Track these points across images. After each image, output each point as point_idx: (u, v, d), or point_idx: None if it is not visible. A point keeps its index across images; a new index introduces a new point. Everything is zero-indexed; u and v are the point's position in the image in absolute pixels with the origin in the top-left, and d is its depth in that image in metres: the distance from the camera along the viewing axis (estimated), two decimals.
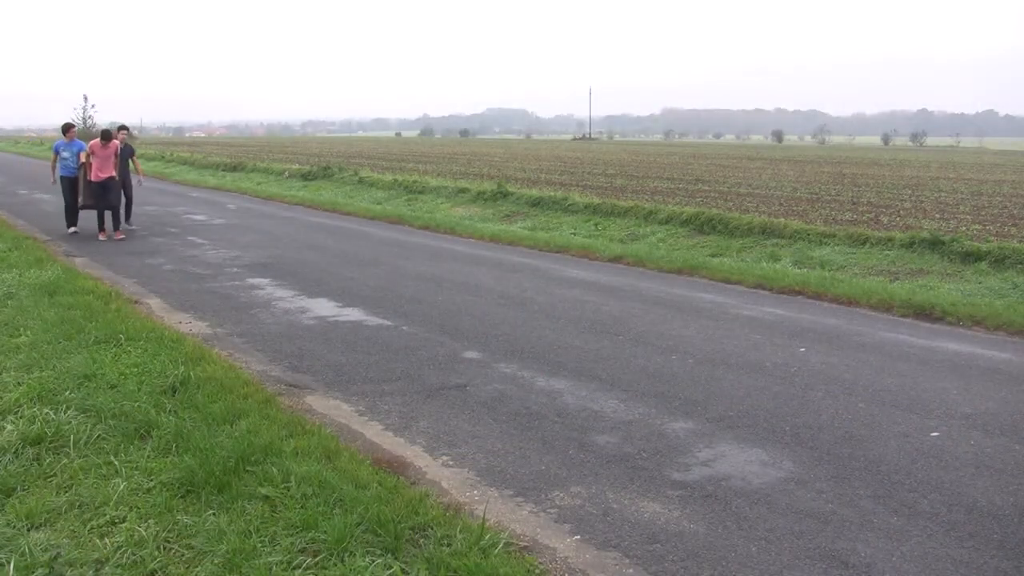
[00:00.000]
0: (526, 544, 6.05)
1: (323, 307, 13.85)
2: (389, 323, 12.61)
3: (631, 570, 5.80)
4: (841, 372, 10.35)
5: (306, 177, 42.55)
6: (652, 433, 8.31)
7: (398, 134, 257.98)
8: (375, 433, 8.34)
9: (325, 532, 5.83)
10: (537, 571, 5.67)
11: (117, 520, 6.11)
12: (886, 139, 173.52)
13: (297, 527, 5.96)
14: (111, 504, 6.31)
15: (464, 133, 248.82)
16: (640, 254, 19.66)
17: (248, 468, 6.85)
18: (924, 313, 13.63)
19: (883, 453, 7.84)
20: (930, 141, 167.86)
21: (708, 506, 6.76)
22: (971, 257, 17.50)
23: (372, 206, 30.13)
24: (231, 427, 7.74)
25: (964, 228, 21.96)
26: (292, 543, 5.76)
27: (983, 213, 26.00)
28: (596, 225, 24.99)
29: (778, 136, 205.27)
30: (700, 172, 46.71)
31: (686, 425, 8.48)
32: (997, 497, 6.93)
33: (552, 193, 30.52)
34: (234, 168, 50.93)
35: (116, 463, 7.00)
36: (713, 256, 19.95)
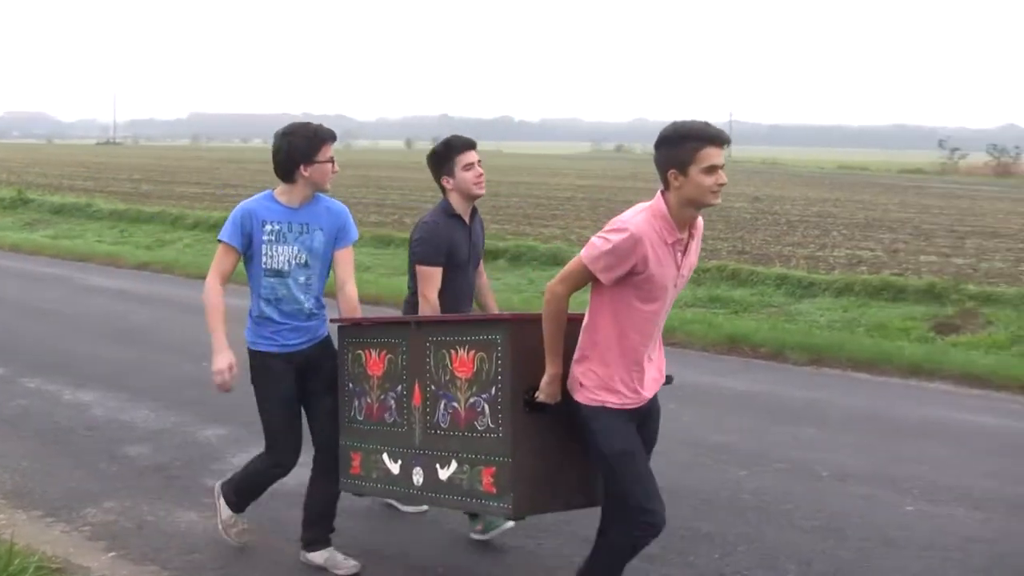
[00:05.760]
0: (58, 566, 5.84)
1: None
2: None
3: None
4: None
5: None
6: (185, 441, 8.24)
7: None
8: None
9: None
10: None
11: None
12: (409, 143, 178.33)
13: None
14: None
15: None
16: (168, 260, 19.36)
17: None
18: None
19: None
20: None
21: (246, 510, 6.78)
22: (490, 255, 18.36)
23: None
24: None
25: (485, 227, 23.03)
26: None
27: (501, 213, 27.41)
28: (122, 232, 24.39)
29: None
30: (228, 176, 46.38)
31: (220, 431, 8.45)
32: None
33: (76, 199, 29.61)
34: None
35: None
36: None
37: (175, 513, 6.74)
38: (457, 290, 6.18)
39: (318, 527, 5.97)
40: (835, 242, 22.53)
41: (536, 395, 4.93)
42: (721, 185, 4.64)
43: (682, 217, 4.71)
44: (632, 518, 4.81)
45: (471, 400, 5.16)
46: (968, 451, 8.42)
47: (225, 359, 5.76)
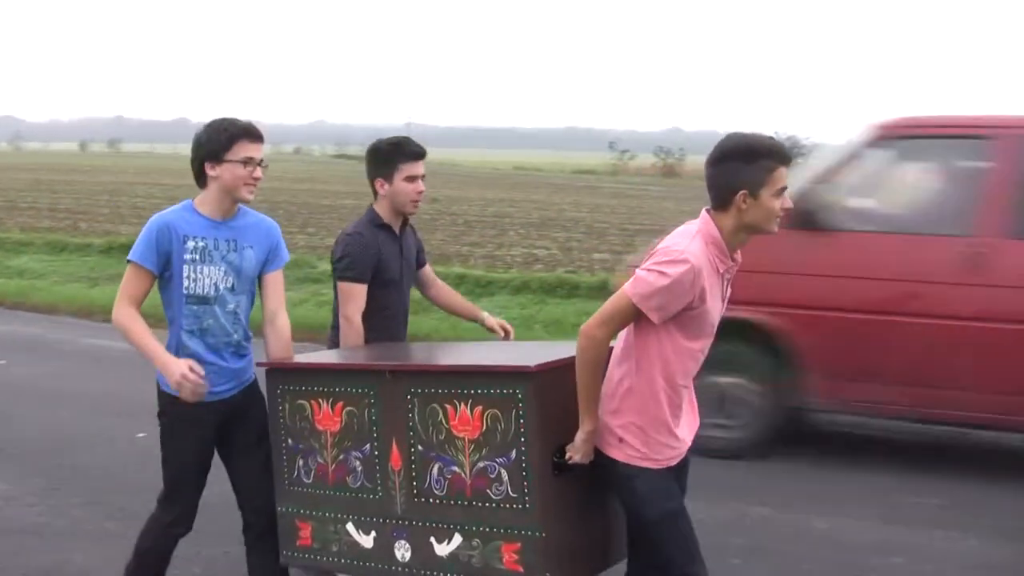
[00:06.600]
0: None
1: None
2: None
3: None
4: (47, 382, 10.28)
5: None
6: None
7: None
8: None
9: None
10: None
11: None
12: (83, 145, 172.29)
13: None
14: None
15: None
16: None
17: None
18: None
19: (92, 460, 7.93)
20: (127, 147, 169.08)
21: None
22: None
23: None
24: None
25: None
26: None
27: None
28: None
29: None
30: None
31: None
32: None
33: None
34: None
35: None
36: None
37: None
38: (389, 311, 5.46)
39: None
40: (512, 241, 23.18)
41: (568, 456, 4.04)
42: (786, 210, 3.99)
43: (734, 243, 4.02)
44: None
45: (480, 465, 4.13)
46: None
47: (181, 363, 4.53)
